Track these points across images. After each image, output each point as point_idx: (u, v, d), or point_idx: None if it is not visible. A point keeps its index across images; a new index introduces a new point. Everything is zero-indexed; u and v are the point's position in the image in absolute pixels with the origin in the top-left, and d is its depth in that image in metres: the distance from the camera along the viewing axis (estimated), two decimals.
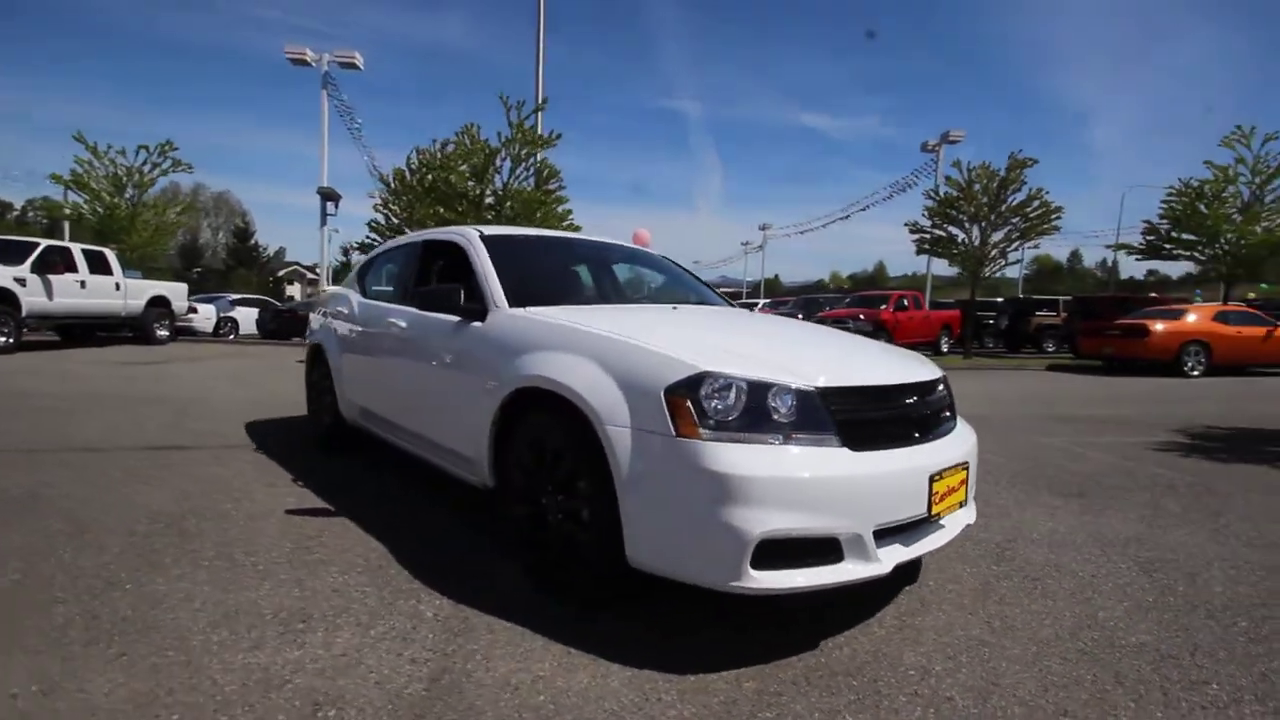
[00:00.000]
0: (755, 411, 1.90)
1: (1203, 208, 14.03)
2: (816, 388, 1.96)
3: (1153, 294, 24.02)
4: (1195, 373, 11.51)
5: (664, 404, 1.92)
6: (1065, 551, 2.87)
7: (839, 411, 1.97)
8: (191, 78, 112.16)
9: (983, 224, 14.63)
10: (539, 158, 13.42)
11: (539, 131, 13.59)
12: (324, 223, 19.07)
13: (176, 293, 15.50)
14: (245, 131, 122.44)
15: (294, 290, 60.68)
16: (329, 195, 18.47)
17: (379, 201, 19.14)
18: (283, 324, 19.31)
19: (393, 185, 17.91)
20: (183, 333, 17.27)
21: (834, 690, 1.81)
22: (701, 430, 1.87)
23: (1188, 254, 14.82)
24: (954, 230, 15.15)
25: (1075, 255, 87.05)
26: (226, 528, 2.92)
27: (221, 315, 19.63)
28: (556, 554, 2.28)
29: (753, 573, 1.80)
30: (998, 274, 15.54)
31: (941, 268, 20.86)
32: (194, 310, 18.18)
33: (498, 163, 13.27)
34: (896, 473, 1.97)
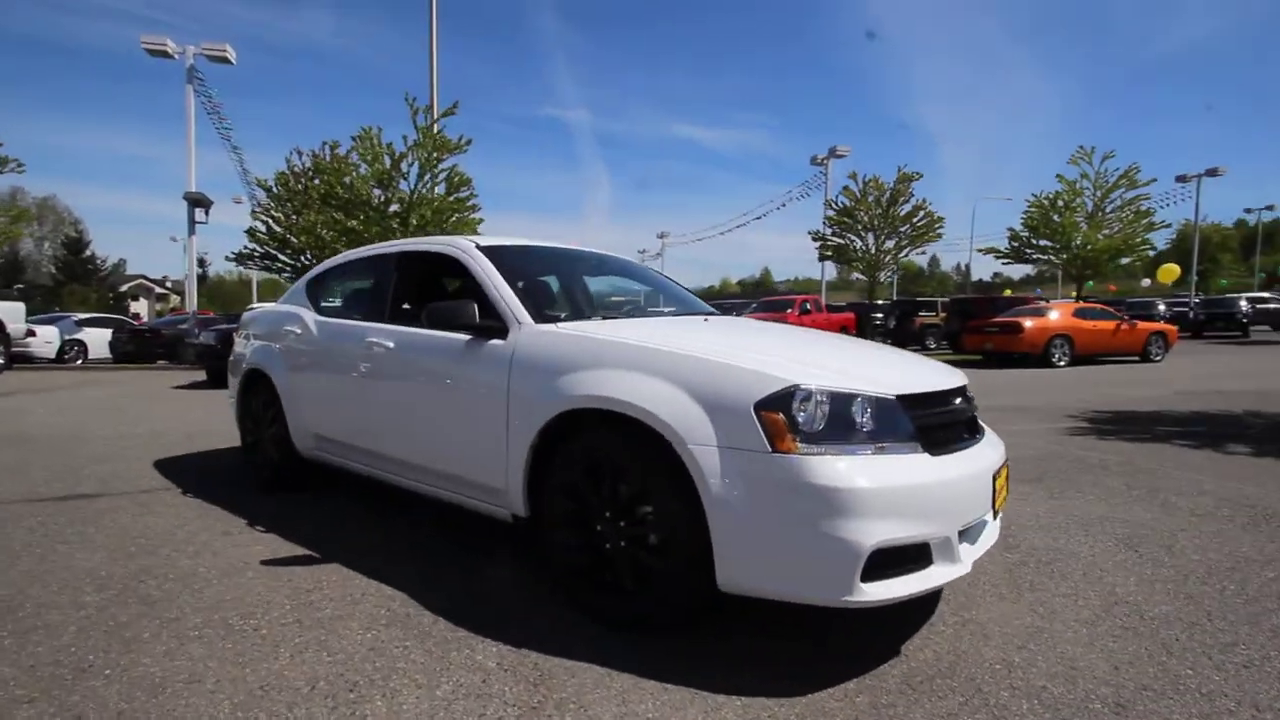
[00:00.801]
0: (846, 422, 1.89)
1: (1056, 217, 15.99)
2: (897, 395, 1.99)
3: (1009, 292, 26.99)
4: (1061, 363, 13.04)
5: (756, 419, 1.87)
6: (1057, 534, 3.11)
7: (916, 418, 2.01)
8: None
9: (876, 232, 15.82)
10: (449, 164, 12.83)
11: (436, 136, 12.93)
12: (192, 231, 17.12)
13: (12, 313, 13.35)
14: (72, 130, 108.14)
15: (140, 307, 54.22)
16: (198, 201, 16.62)
17: (258, 208, 17.57)
18: (142, 346, 17.12)
19: (274, 190, 16.53)
20: (18, 359, 14.86)
21: (940, 694, 1.82)
22: (799, 444, 1.83)
23: (1045, 257, 16.86)
24: (852, 238, 16.23)
25: (934, 260, 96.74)
26: (200, 589, 2.51)
27: (66, 338, 17.06)
28: (618, 583, 2.16)
29: (863, 586, 1.78)
30: (890, 278, 16.84)
31: (825, 272, 22.24)
32: (32, 333, 15.68)
33: (404, 168, 12.54)
34: (971, 474, 2.03)
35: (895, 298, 34.58)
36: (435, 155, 12.46)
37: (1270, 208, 36.07)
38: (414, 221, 12.67)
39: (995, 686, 1.86)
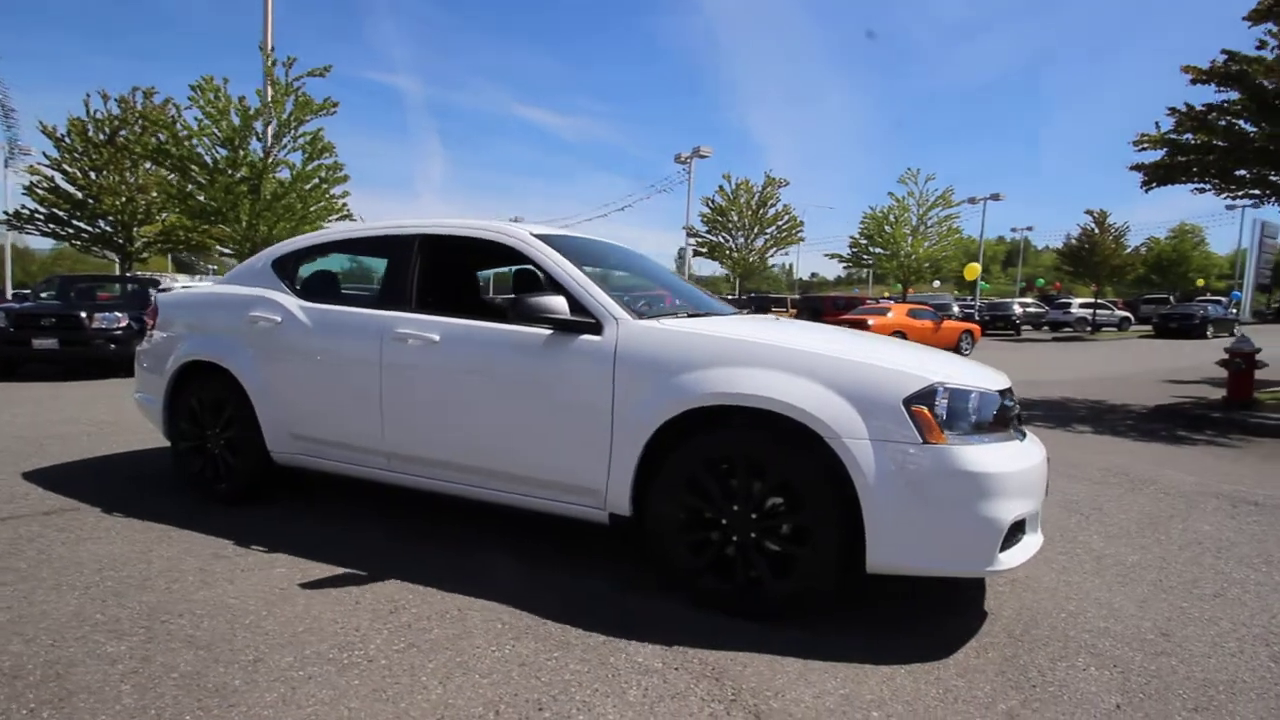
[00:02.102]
0: (970, 415, 2.15)
1: (888, 228, 18.34)
2: (998, 390, 2.29)
3: (835, 293, 30.38)
4: None
5: (906, 414, 2.05)
6: None
7: (1008, 410, 2.33)
8: None
9: (746, 232, 16.99)
10: (313, 128, 11.43)
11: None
12: None
13: None
14: None
15: None
16: None
17: (44, 162, 14.42)
18: None
19: (66, 140, 13.65)
20: None
21: (1044, 641, 2.16)
22: (946, 435, 2.05)
23: (878, 264, 19.30)
24: (726, 236, 17.28)
25: (763, 260, 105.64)
26: (255, 623, 2.14)
27: None
28: (748, 574, 2.23)
29: (1000, 556, 2.05)
30: (733, 275, 18.10)
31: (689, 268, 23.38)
32: None
33: (260, 129, 10.97)
34: (1043, 459, 2.40)
35: (736, 293, 37.13)
36: (297, 116, 11.04)
37: (1030, 229, 44.51)
38: (270, 189, 11.16)
39: (1077, 630, 2.24)
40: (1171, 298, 30.29)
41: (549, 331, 2.56)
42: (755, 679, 1.90)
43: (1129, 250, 22.69)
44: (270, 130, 10.97)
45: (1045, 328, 28.00)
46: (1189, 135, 7.84)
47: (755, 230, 17.10)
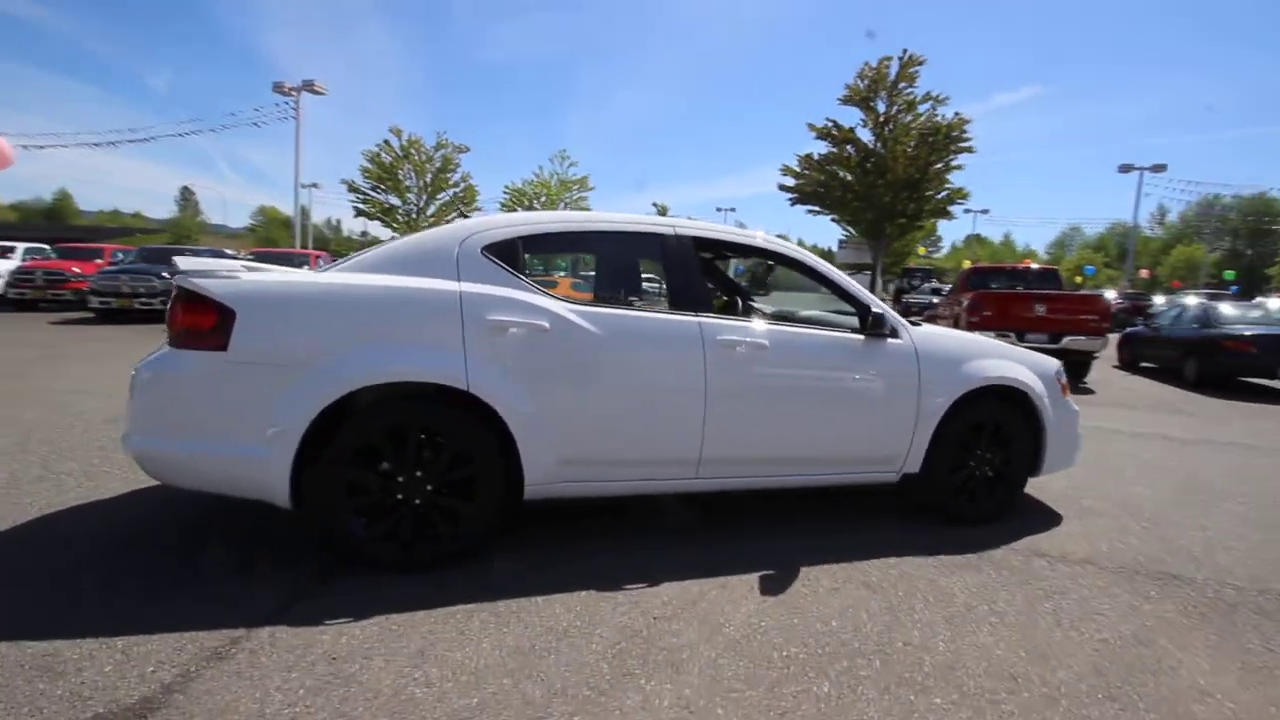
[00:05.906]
0: (1064, 379, 3.81)
1: (537, 205, 19.81)
2: None
3: None
4: None
5: (1056, 381, 3.60)
6: None
7: None
8: None
9: (419, 195, 15.88)
10: None
11: None
12: None
13: None
14: None
15: None
16: None
17: None
18: None
19: None
20: None
21: (1098, 512, 4.03)
22: (1068, 392, 3.68)
23: None
24: (394, 200, 15.70)
25: (305, 212, 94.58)
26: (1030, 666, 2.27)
27: None
28: (981, 494, 3.45)
29: (1076, 457, 3.80)
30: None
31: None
32: None
33: None
34: None
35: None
36: None
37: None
38: None
39: (1090, 500, 4.19)
40: None
41: (863, 337, 3.15)
42: (1051, 550, 3.17)
43: None
44: None
45: None
46: (807, 171, 11.68)
47: (429, 194, 16.09)
